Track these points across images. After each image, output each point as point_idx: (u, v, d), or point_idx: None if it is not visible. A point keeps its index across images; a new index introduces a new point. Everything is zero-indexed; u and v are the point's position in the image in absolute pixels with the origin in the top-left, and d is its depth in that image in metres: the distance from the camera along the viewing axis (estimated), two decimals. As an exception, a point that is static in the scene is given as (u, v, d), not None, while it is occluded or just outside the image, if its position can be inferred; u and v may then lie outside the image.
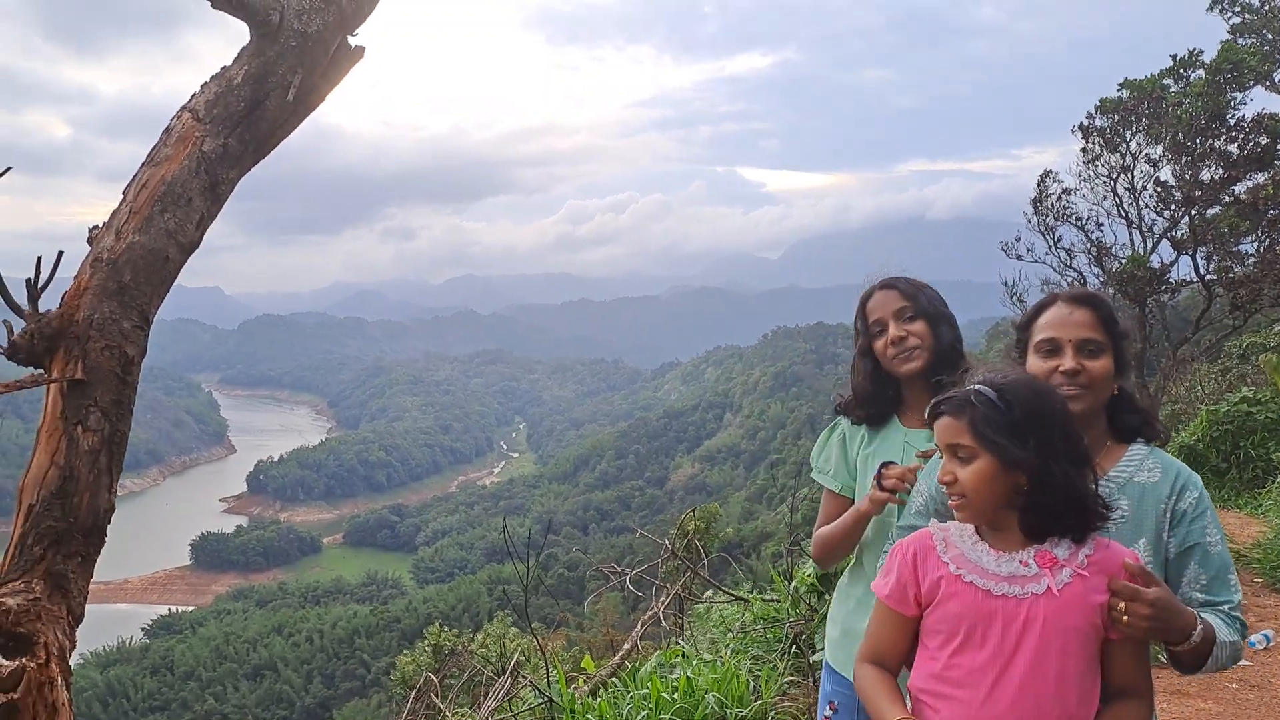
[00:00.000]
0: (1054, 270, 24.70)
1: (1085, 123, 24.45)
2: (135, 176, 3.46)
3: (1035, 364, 2.95)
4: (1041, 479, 2.50)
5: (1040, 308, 3.04)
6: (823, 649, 4.23)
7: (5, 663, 2.97)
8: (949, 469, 2.57)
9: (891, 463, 3.56)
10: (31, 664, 3.02)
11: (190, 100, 3.54)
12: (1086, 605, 2.50)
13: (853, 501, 3.79)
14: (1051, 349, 2.94)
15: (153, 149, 3.49)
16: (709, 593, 10.17)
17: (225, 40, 3.71)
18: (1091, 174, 24.39)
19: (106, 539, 3.43)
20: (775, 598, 8.14)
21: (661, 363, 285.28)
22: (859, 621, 3.50)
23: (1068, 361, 2.90)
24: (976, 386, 2.58)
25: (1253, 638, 7.71)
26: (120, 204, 3.43)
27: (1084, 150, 24.40)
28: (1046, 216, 24.81)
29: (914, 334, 3.61)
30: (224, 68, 3.59)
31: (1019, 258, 24.94)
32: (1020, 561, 2.53)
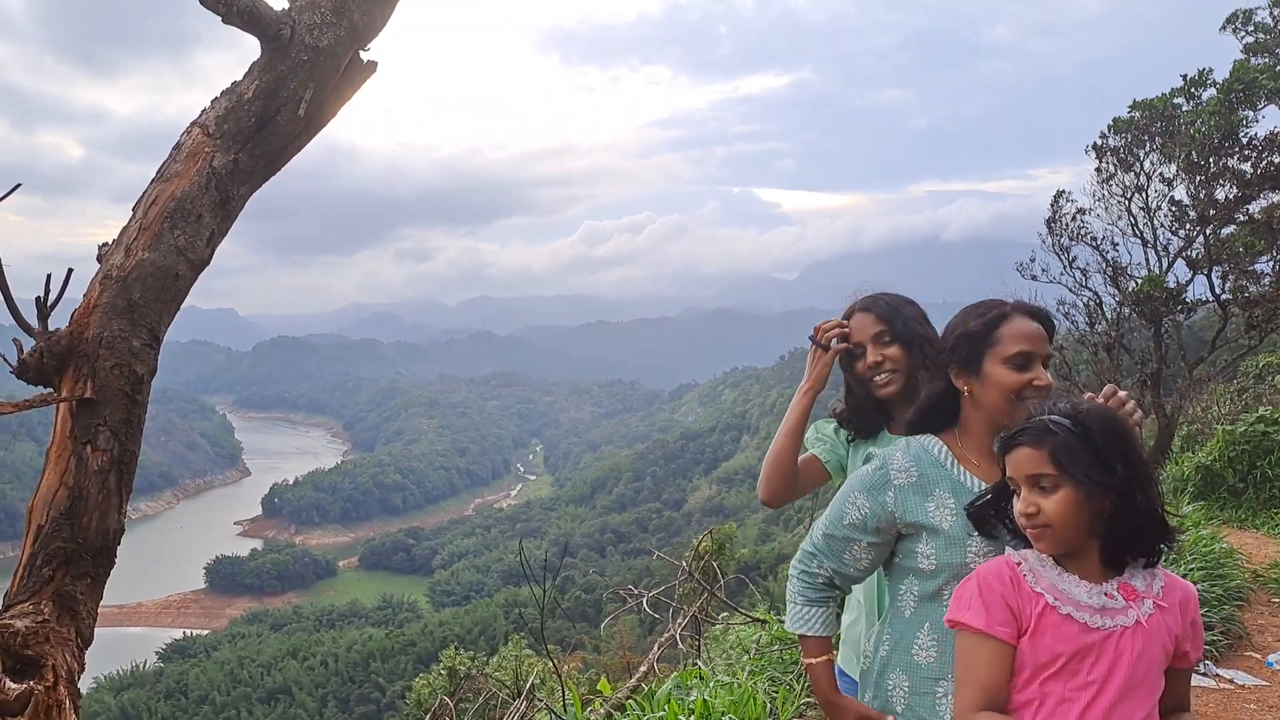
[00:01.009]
0: (1069, 290, 24.65)
1: (1099, 142, 24.44)
2: (145, 192, 3.45)
3: (1006, 376, 2.91)
4: (1128, 504, 2.50)
5: (1000, 318, 2.97)
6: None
7: (13, 685, 2.95)
8: (1031, 500, 2.54)
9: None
10: (39, 687, 3.00)
11: (201, 115, 3.53)
12: (1165, 636, 2.54)
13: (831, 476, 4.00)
14: (1024, 362, 2.91)
15: (163, 164, 3.47)
16: (725, 614, 10.13)
17: (238, 60, 3.72)
18: (1106, 194, 24.35)
19: (117, 560, 3.40)
20: (792, 619, 8.08)
21: (678, 384, 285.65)
22: (853, 629, 3.79)
23: (1045, 377, 2.91)
24: (1051, 416, 2.56)
25: (1270, 658, 7.67)
26: (130, 220, 3.41)
27: (1098, 170, 24.38)
28: (1061, 237, 24.74)
29: (890, 359, 3.63)
30: (235, 82, 3.57)
31: (1034, 278, 24.89)
32: (1105, 593, 2.53)
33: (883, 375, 3.63)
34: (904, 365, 3.60)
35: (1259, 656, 7.78)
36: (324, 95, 3.67)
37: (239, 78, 3.59)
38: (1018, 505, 2.58)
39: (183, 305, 3.52)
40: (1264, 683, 7.24)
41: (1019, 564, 2.60)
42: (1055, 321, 3.07)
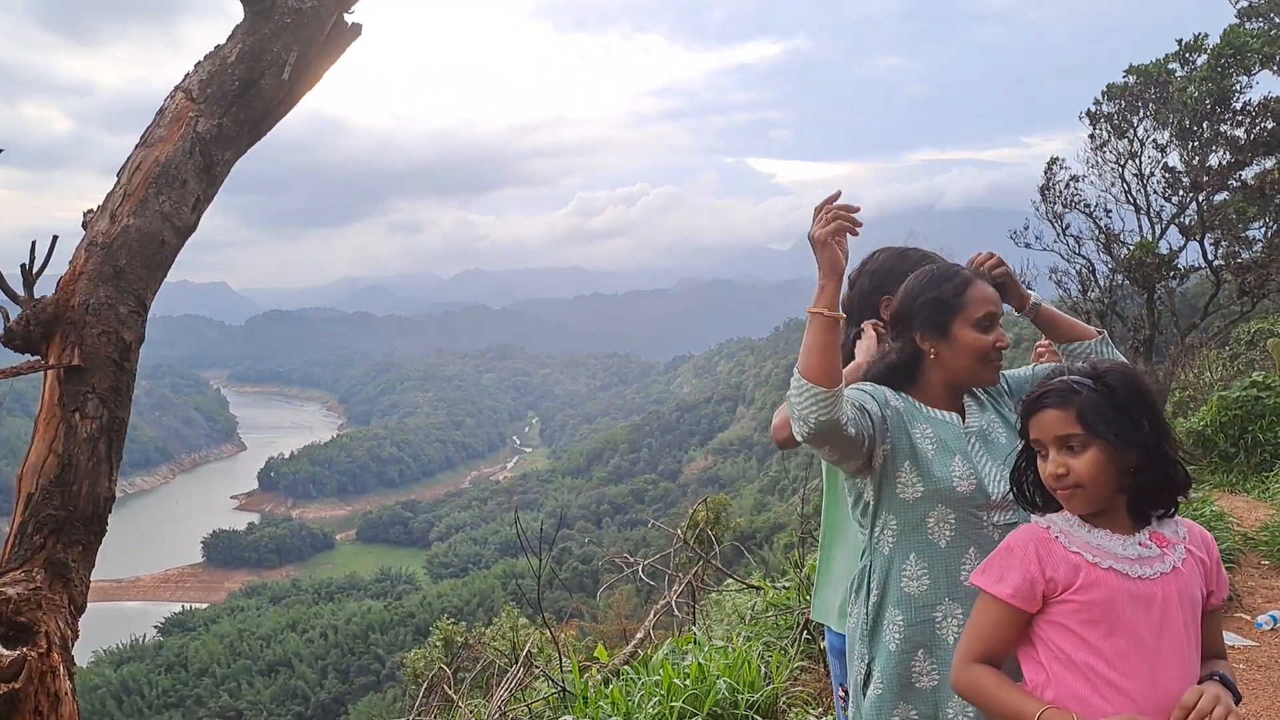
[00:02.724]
0: (1062, 258, 24.67)
1: (1093, 109, 24.41)
2: (129, 158, 3.43)
3: (976, 338, 3.04)
4: (1155, 457, 2.55)
5: (966, 284, 3.10)
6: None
7: (6, 652, 2.95)
8: (1060, 461, 2.56)
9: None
10: (33, 653, 2.99)
11: (184, 79, 3.51)
12: (1199, 579, 2.60)
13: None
14: (990, 324, 3.07)
15: (147, 130, 3.45)
16: (723, 582, 10.16)
17: (227, 28, 3.67)
18: (1100, 160, 24.34)
19: (114, 534, 3.40)
20: (787, 586, 8.12)
21: (674, 356, 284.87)
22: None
23: (1005, 338, 3.08)
24: (1072, 377, 2.60)
25: (1260, 619, 7.72)
26: (114, 187, 3.40)
27: (1092, 137, 24.36)
28: (1054, 204, 24.74)
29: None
30: (218, 46, 3.55)
31: (1027, 246, 24.91)
32: (1140, 544, 2.57)
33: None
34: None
35: (1248, 618, 7.83)
36: (308, 58, 3.65)
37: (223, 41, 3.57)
38: (1046, 467, 2.61)
39: (174, 280, 3.51)
40: (1253, 643, 7.29)
41: (1048, 528, 2.63)
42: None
